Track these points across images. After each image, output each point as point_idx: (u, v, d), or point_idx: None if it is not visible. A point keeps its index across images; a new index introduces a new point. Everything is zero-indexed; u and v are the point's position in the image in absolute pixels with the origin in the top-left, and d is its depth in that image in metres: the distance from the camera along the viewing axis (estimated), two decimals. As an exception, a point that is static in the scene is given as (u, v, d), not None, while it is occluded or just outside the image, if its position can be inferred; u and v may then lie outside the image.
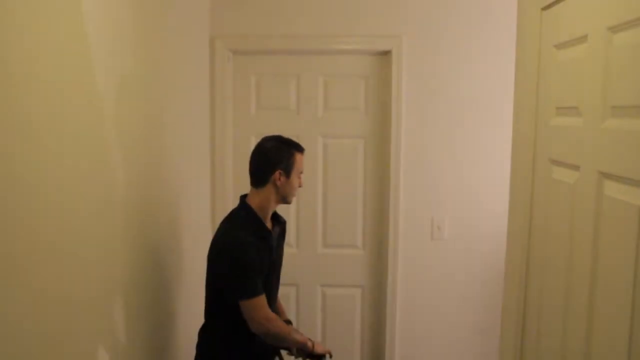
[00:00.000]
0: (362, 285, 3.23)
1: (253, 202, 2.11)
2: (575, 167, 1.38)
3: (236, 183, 3.14)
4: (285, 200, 2.15)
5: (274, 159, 2.11)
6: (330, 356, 2.23)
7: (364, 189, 3.17)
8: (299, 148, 2.15)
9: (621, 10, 1.19)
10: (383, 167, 3.11)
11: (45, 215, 1.27)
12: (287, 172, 2.11)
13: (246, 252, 1.98)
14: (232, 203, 2.61)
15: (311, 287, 3.25)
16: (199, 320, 2.17)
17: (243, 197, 2.15)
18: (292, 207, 3.15)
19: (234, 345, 2.08)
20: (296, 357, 2.21)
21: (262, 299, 1.99)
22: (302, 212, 3.18)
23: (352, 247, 3.21)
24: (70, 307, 1.40)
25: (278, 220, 2.24)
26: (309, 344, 2.15)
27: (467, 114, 2.98)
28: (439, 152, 3.02)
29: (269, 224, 2.15)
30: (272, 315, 2.02)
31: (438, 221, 3.06)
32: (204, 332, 2.16)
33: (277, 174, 2.09)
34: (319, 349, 2.18)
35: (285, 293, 3.14)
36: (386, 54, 3.01)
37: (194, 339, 2.17)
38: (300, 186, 2.17)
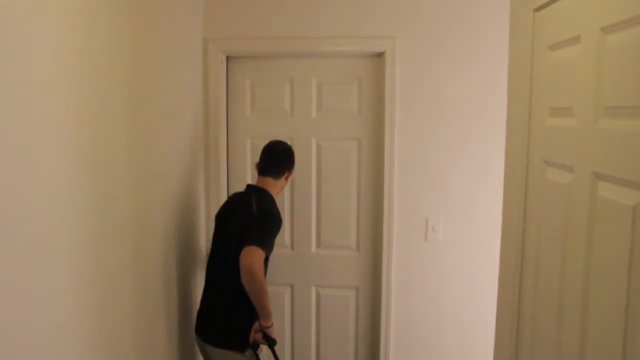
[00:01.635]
0: (357, 286, 3.23)
1: (273, 189, 2.54)
2: (569, 168, 1.38)
3: (231, 185, 3.13)
4: (279, 192, 2.61)
5: (292, 160, 2.63)
6: (272, 345, 2.38)
7: (357, 191, 3.16)
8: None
9: (614, 11, 1.19)
10: (377, 169, 3.10)
11: (46, 214, 1.26)
12: (286, 175, 2.61)
13: (279, 224, 2.42)
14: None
15: (305, 287, 3.25)
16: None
17: (257, 186, 2.53)
18: (286, 207, 3.16)
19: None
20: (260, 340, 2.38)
21: (264, 257, 2.25)
22: (296, 213, 3.18)
23: (346, 248, 3.20)
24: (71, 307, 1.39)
25: None
26: (271, 322, 2.35)
27: (461, 115, 2.99)
28: (433, 153, 3.02)
29: None
30: (263, 272, 2.25)
31: (432, 222, 3.06)
32: (229, 295, 2.37)
33: (289, 171, 2.60)
34: (272, 334, 2.37)
35: (280, 292, 3.21)
36: (380, 55, 3.01)
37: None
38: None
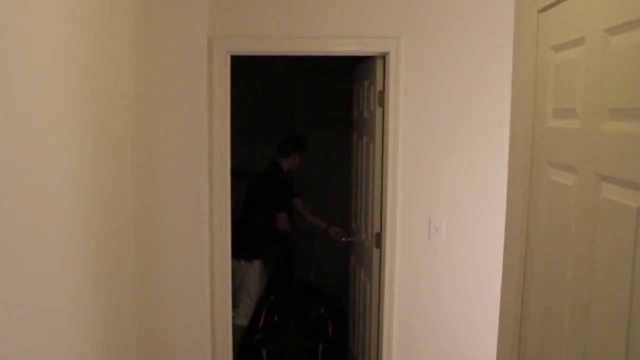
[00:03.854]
0: (370, 278, 3.25)
1: (283, 164, 3.96)
2: (573, 169, 1.38)
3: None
4: (290, 167, 3.98)
5: (294, 146, 4.00)
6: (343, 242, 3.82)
7: (366, 188, 3.18)
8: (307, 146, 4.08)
9: (618, 12, 1.19)
10: (381, 167, 3.10)
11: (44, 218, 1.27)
12: (297, 154, 4.01)
13: (281, 184, 3.95)
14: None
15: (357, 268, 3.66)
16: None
17: (274, 160, 3.99)
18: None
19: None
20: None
21: (286, 215, 3.90)
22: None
23: (368, 241, 3.30)
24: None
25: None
26: (323, 226, 4.01)
27: (465, 115, 2.98)
28: (436, 153, 3.02)
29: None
30: (288, 225, 3.96)
31: (435, 222, 3.05)
32: (251, 228, 3.91)
33: (294, 154, 3.97)
34: (332, 233, 3.94)
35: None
36: (384, 55, 3.01)
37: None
38: (297, 166, 4.03)
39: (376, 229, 3.14)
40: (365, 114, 3.29)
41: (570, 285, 1.37)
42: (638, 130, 1.09)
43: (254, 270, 3.89)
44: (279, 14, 2.96)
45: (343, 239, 3.82)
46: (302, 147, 4.03)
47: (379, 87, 3.05)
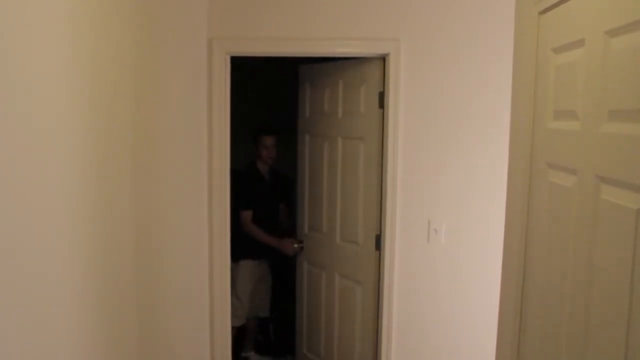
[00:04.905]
0: (363, 281, 3.23)
1: (258, 162, 3.90)
2: (573, 171, 1.38)
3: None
4: (264, 161, 3.88)
5: (253, 136, 3.88)
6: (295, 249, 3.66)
7: (363, 190, 3.17)
8: (264, 132, 3.85)
9: (618, 14, 1.19)
10: (380, 169, 3.10)
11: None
12: (256, 145, 3.86)
13: (245, 183, 3.76)
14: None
15: (331, 273, 3.50)
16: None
17: (252, 160, 3.90)
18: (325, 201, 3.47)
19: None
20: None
21: (250, 214, 3.77)
22: (330, 206, 3.44)
23: (356, 244, 3.26)
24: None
25: (277, 175, 4.02)
26: (275, 242, 3.78)
27: (465, 117, 2.98)
28: (436, 155, 3.01)
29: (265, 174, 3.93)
30: (251, 227, 3.74)
31: (435, 224, 3.05)
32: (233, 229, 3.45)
33: (254, 143, 3.86)
34: (282, 248, 3.76)
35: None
36: (384, 57, 3.01)
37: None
38: (265, 155, 3.84)
39: (376, 231, 3.14)
40: (340, 114, 3.30)
41: (570, 286, 1.37)
42: (638, 132, 1.09)
43: (242, 270, 3.81)
44: (279, 15, 2.96)
45: (295, 245, 3.65)
46: (254, 135, 3.85)
47: (379, 88, 3.05)
